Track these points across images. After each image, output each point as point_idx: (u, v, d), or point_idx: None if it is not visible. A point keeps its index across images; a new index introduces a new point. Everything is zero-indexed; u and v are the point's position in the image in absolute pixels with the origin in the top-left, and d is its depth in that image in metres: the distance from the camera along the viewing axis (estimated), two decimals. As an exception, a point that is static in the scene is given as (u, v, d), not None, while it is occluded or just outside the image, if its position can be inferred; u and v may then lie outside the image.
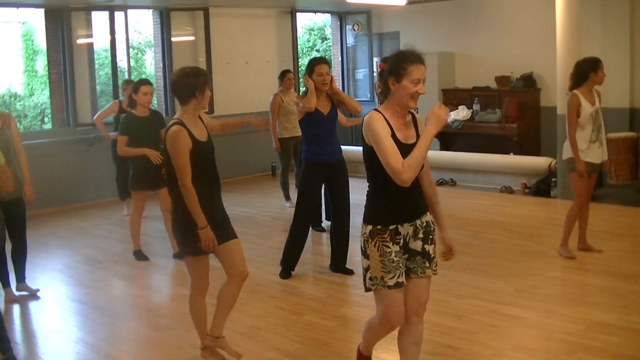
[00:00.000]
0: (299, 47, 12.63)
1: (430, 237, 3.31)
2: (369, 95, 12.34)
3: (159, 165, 5.88)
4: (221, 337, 4.03)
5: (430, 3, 11.20)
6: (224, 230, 3.91)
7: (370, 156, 3.17)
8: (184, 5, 10.27)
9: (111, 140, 8.07)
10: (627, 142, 8.42)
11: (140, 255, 6.51)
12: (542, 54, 9.71)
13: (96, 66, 10.37)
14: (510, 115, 10.05)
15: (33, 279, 5.84)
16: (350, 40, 12.75)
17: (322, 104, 5.58)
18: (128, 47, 10.21)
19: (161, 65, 10.34)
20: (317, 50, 15.61)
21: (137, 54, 14.53)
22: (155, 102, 10.42)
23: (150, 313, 5.22)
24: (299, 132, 8.33)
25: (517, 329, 4.51)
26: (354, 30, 12.57)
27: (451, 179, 10.10)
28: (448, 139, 10.71)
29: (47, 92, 10.89)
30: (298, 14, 12.03)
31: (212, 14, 10.49)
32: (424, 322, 3.44)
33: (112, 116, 8.23)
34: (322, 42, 15.67)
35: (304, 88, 5.69)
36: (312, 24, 15.83)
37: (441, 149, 10.66)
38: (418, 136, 3.22)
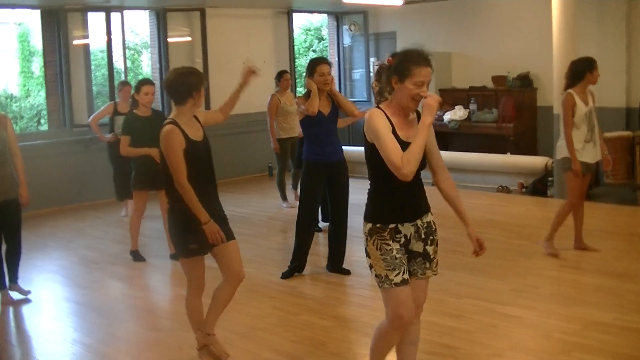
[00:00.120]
0: (295, 47, 12.62)
1: (431, 237, 3.28)
2: (365, 96, 12.31)
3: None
4: (212, 335, 4.03)
5: (427, 3, 11.21)
6: (222, 230, 3.88)
7: (372, 153, 3.14)
8: (180, 6, 10.25)
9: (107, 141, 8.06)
10: (623, 142, 8.47)
11: (137, 256, 6.49)
12: (539, 54, 9.71)
13: (92, 67, 10.36)
14: (507, 115, 10.06)
15: (29, 280, 5.83)
16: (347, 40, 12.75)
17: (323, 105, 5.56)
18: (124, 48, 10.19)
19: (158, 66, 10.31)
20: (314, 51, 15.60)
21: (133, 54, 14.49)
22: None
23: (148, 314, 5.21)
24: (296, 133, 8.36)
25: (515, 329, 4.51)
26: (351, 30, 12.56)
27: (448, 179, 10.09)
28: (445, 138, 10.69)
29: (43, 93, 10.85)
30: (295, 15, 12.03)
31: (209, 15, 10.48)
32: (422, 321, 3.44)
33: (107, 118, 8.21)
34: (319, 42, 15.67)
35: (305, 89, 5.67)
36: (308, 24, 15.81)
37: (438, 149, 10.63)
38: None
